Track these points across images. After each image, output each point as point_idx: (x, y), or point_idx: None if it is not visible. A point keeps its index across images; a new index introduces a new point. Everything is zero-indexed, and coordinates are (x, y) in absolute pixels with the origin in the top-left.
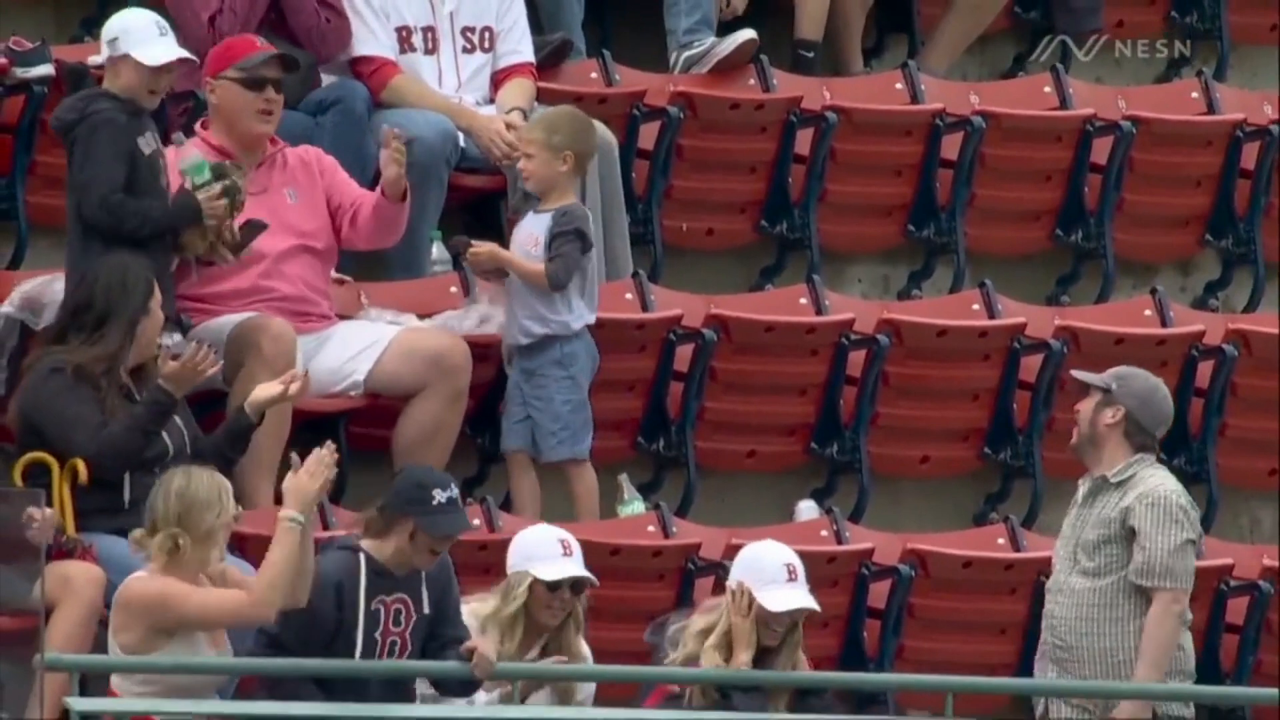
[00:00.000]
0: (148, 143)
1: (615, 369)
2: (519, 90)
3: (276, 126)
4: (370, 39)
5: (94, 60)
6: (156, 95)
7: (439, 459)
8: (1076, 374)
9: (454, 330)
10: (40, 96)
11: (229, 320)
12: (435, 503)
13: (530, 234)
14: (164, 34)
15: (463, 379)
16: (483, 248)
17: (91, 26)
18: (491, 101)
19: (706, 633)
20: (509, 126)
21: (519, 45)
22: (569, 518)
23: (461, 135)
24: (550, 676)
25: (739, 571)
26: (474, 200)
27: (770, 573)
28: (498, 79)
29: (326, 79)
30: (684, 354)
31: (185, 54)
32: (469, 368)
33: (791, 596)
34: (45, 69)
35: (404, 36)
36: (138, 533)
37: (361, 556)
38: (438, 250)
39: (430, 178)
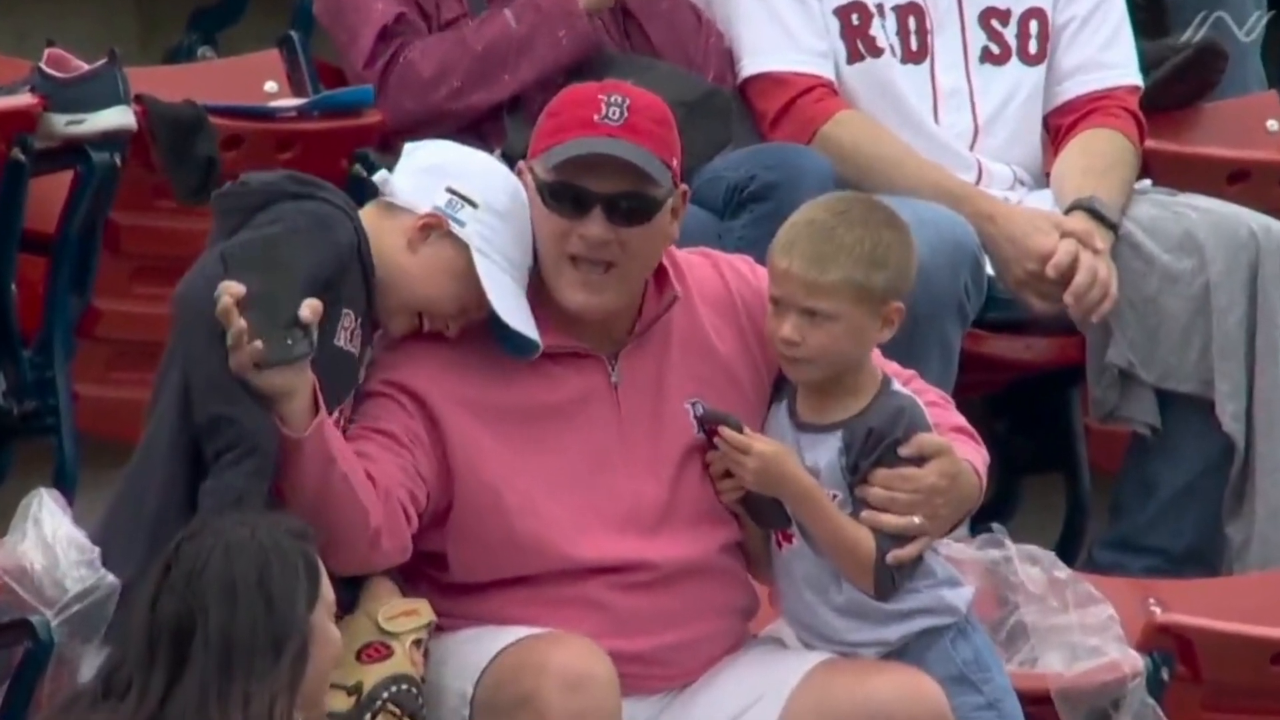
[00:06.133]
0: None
1: None
2: (1100, 151)
3: None
4: (784, 41)
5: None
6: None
7: None
8: None
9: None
10: None
11: (487, 640)
12: None
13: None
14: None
15: None
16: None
17: None
18: (1046, 176)
19: None
20: (1074, 236)
21: (1106, 55)
22: None
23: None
24: None
25: None
26: (1016, 386)
27: None
28: (1057, 128)
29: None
30: None
31: (533, 334)
32: None
33: None
34: None
35: (853, 27)
36: None
37: None
38: None
39: (925, 335)
